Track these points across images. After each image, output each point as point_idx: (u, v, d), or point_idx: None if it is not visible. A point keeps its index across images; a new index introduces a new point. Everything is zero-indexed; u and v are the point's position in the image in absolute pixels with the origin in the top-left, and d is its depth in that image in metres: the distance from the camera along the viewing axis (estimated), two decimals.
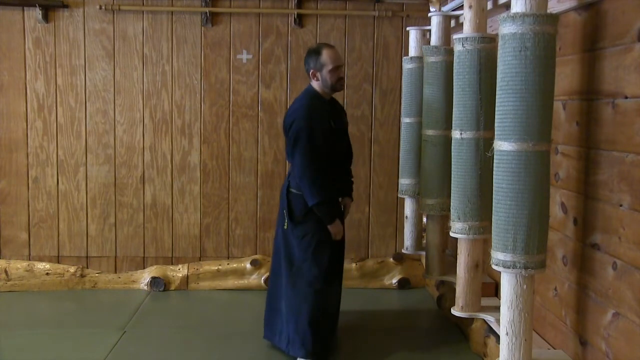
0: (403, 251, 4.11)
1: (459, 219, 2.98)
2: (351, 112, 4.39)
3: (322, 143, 3.19)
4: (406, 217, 4.01)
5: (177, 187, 4.56)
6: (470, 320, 3.43)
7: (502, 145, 2.35)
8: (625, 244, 2.18)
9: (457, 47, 2.93)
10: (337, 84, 3.29)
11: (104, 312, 4.08)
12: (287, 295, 3.33)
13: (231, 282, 4.55)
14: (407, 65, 3.84)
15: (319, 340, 3.28)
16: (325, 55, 3.26)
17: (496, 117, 2.41)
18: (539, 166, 2.32)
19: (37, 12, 4.35)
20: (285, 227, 3.32)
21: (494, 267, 2.43)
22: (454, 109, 3.00)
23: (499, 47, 2.38)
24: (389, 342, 3.57)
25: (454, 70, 2.98)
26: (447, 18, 3.64)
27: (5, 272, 4.46)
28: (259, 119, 4.51)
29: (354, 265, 4.55)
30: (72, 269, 4.51)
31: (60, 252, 4.56)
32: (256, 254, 4.61)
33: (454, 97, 3.00)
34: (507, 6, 2.90)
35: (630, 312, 2.14)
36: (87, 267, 4.56)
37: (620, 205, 2.20)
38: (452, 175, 3.03)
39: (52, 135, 4.48)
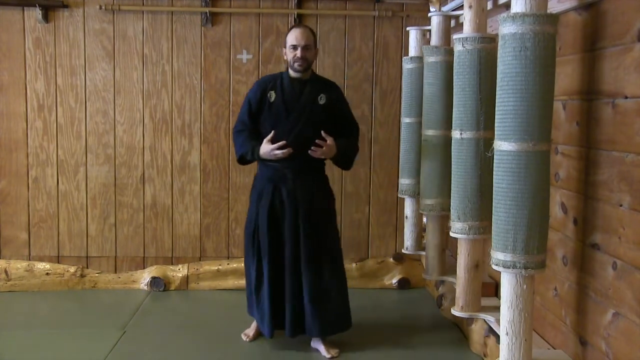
0: (403, 251, 4.11)
1: (459, 219, 2.98)
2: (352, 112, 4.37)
3: (247, 109, 3.40)
4: (406, 217, 4.01)
5: (177, 187, 4.56)
6: (470, 320, 3.43)
7: (502, 145, 2.36)
8: (625, 244, 2.18)
9: (457, 47, 2.93)
10: (295, 63, 3.30)
11: (104, 312, 4.08)
12: None
13: (231, 282, 4.55)
14: (407, 65, 3.84)
15: (253, 312, 3.53)
16: (288, 34, 3.36)
17: (496, 117, 2.41)
18: (539, 166, 2.32)
19: (37, 12, 4.35)
20: None
21: (494, 267, 2.43)
22: (454, 109, 3.00)
23: (499, 47, 2.38)
24: (388, 342, 3.57)
25: (454, 70, 2.99)
26: (447, 18, 3.64)
27: (5, 272, 4.46)
28: None
29: (354, 265, 4.54)
30: (72, 269, 4.51)
31: (60, 252, 4.56)
32: None
33: (454, 97, 3.00)
34: (507, 6, 2.90)
35: (630, 312, 2.14)
36: (87, 267, 4.56)
37: (620, 205, 2.20)
38: (452, 175, 3.03)
39: (52, 135, 4.48)
